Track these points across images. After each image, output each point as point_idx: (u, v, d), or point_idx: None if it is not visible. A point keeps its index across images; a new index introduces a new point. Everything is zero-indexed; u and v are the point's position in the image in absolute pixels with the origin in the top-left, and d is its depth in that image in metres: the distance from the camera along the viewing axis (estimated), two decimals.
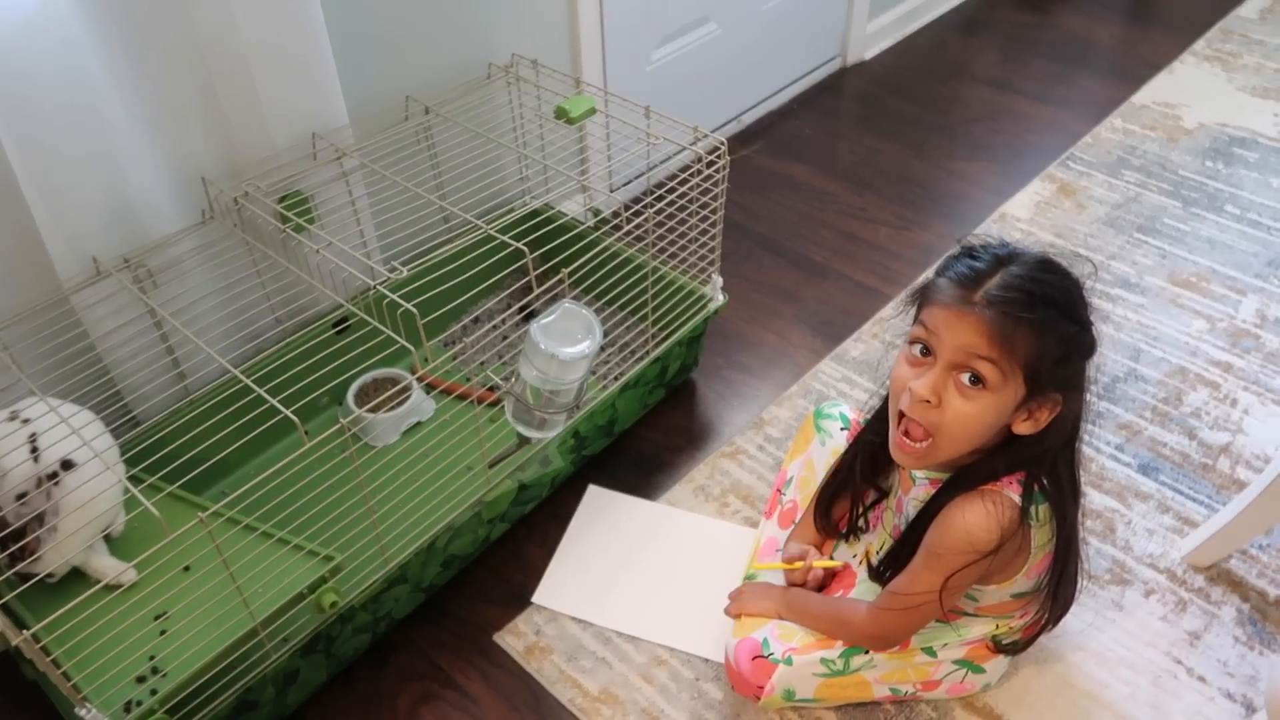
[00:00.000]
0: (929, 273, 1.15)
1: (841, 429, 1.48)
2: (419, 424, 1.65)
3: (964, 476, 1.13)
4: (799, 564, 1.35)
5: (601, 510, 1.59)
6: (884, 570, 1.23)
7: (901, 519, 1.24)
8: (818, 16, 2.58)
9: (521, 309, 1.84)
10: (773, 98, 2.58)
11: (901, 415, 1.11)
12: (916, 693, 1.28)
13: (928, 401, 1.07)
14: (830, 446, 1.47)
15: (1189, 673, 1.34)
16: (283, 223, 1.42)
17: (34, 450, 1.15)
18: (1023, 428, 1.09)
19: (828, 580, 1.36)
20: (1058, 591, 1.18)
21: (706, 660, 1.38)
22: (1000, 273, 1.06)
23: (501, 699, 1.36)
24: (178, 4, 1.32)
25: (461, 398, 1.68)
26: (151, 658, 1.17)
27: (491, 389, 1.68)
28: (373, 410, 1.59)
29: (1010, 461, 1.11)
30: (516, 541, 1.55)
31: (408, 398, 1.63)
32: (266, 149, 1.48)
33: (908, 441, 1.11)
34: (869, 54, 2.81)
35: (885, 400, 1.20)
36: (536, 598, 1.47)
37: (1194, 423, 1.69)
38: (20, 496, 1.13)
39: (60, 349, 1.34)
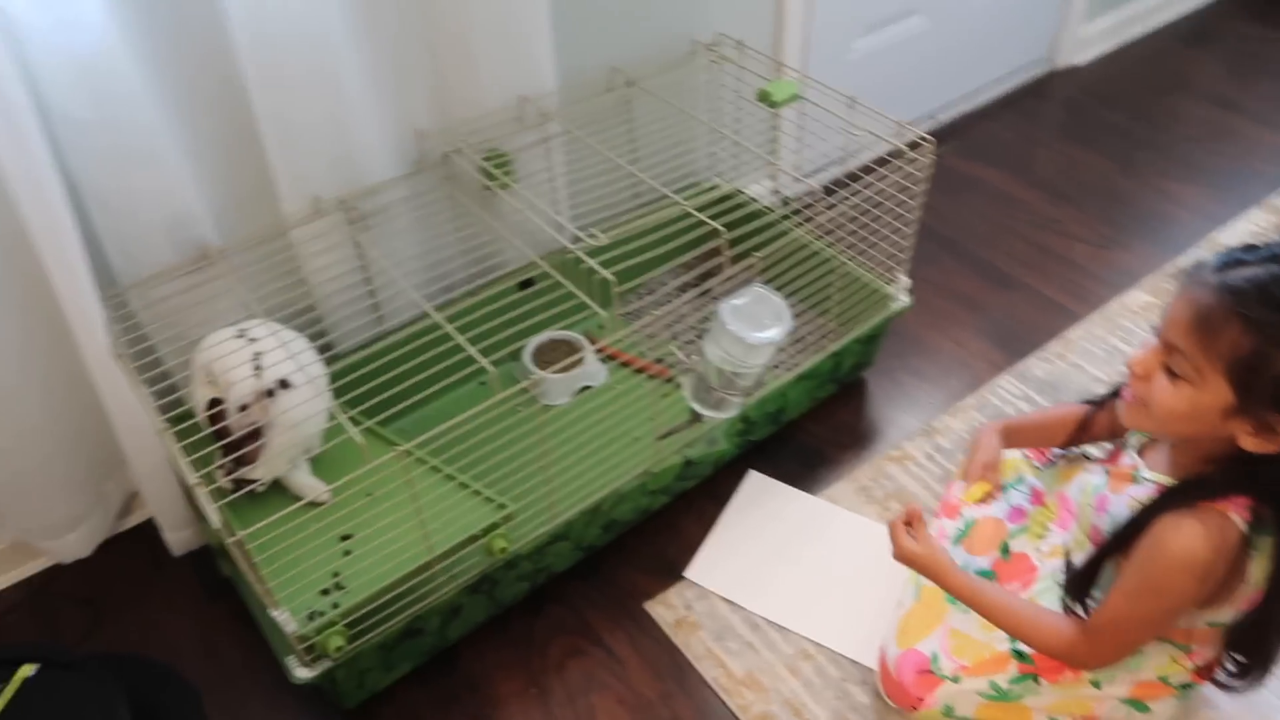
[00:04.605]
0: None
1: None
2: (588, 388, 1.69)
3: (1186, 488, 1.06)
4: (987, 486, 1.34)
5: (761, 496, 1.59)
6: (1083, 582, 1.14)
7: (1104, 519, 1.16)
8: (1030, 16, 2.47)
9: (698, 287, 1.85)
10: (972, 96, 2.49)
11: None
12: None
13: (1136, 375, 1.05)
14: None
15: None
16: (489, 179, 1.48)
17: (257, 368, 1.25)
18: (1250, 444, 1.00)
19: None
20: (1258, 642, 1.10)
21: (855, 662, 1.36)
22: (1253, 266, 0.98)
23: (646, 665, 1.39)
24: None
25: (627, 365, 1.71)
26: (335, 574, 1.26)
27: (659, 362, 1.70)
28: (556, 371, 1.64)
29: (1237, 480, 1.03)
30: (674, 515, 1.57)
31: (582, 361, 1.67)
32: (477, 108, 1.54)
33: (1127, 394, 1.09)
34: (1081, 59, 2.67)
35: None
36: (689, 573, 1.48)
37: None
38: (243, 408, 1.23)
39: (277, 279, 1.44)
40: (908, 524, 1.23)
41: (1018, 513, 1.35)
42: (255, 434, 1.23)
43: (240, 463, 1.24)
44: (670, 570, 1.50)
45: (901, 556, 1.22)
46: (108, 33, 1.14)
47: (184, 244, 1.34)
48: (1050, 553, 1.29)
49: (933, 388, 1.78)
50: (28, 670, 1.23)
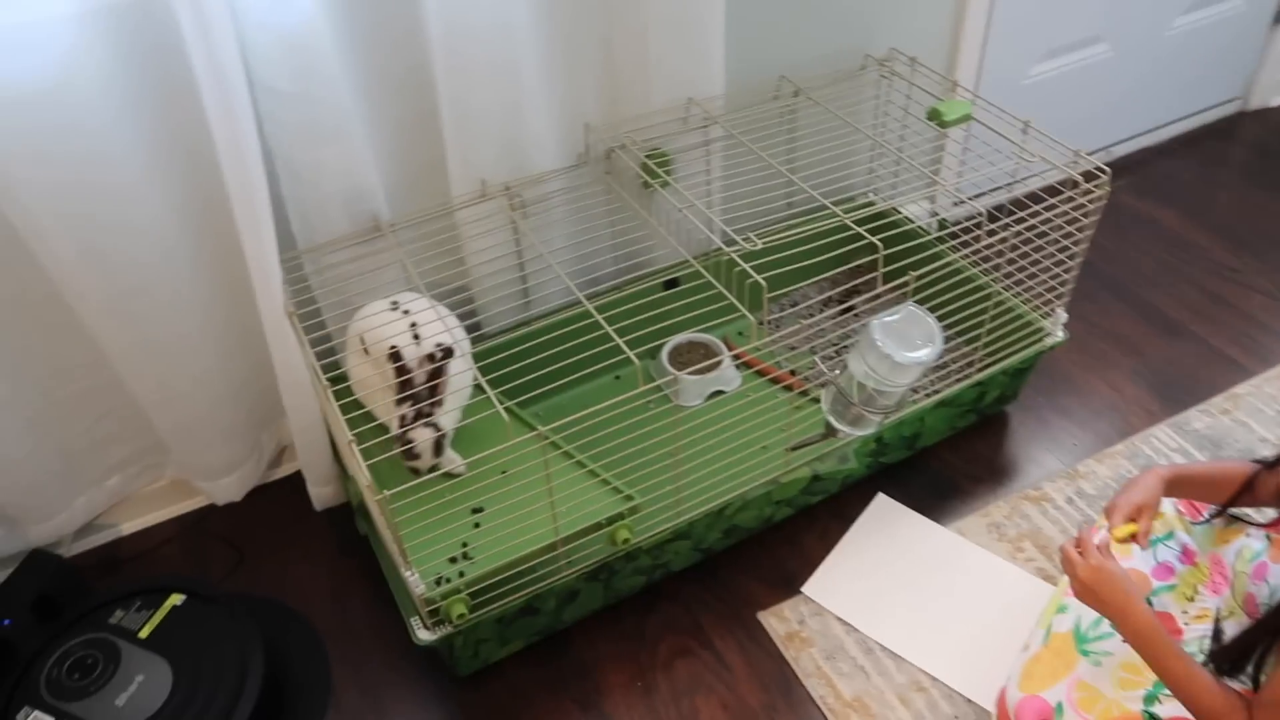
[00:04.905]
0: None
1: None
2: (720, 392, 1.70)
3: None
4: (1134, 527, 1.20)
5: (887, 520, 1.56)
6: (1237, 657, 1.07)
7: (1262, 588, 1.09)
8: (1225, 51, 2.33)
9: (842, 303, 1.83)
10: (1153, 132, 2.37)
11: None
12: None
13: None
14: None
15: None
16: (651, 177, 1.50)
17: (415, 336, 1.30)
18: None
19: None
20: None
21: (970, 701, 1.32)
22: None
23: (754, 675, 1.38)
24: None
25: (761, 374, 1.71)
26: (464, 544, 1.30)
27: (794, 374, 1.69)
28: (693, 372, 1.65)
29: None
30: (796, 529, 1.56)
31: (719, 365, 1.67)
32: (644, 106, 1.56)
33: None
34: (1277, 101, 2.50)
35: None
36: (807, 588, 1.47)
37: None
38: (427, 359, 1.30)
39: (437, 256, 1.50)
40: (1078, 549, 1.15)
41: (1165, 569, 1.28)
42: (437, 384, 1.29)
43: (425, 412, 1.29)
44: (787, 583, 1.48)
45: (1089, 578, 1.12)
46: (316, 14, 1.22)
47: (358, 216, 1.42)
48: (1198, 616, 1.21)
49: (1080, 430, 1.70)
50: (177, 599, 1.32)
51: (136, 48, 1.18)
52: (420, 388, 1.30)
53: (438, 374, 1.30)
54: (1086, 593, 1.13)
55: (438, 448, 1.33)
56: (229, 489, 1.62)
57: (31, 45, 1.10)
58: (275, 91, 1.25)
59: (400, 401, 1.31)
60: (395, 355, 1.30)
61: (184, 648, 1.26)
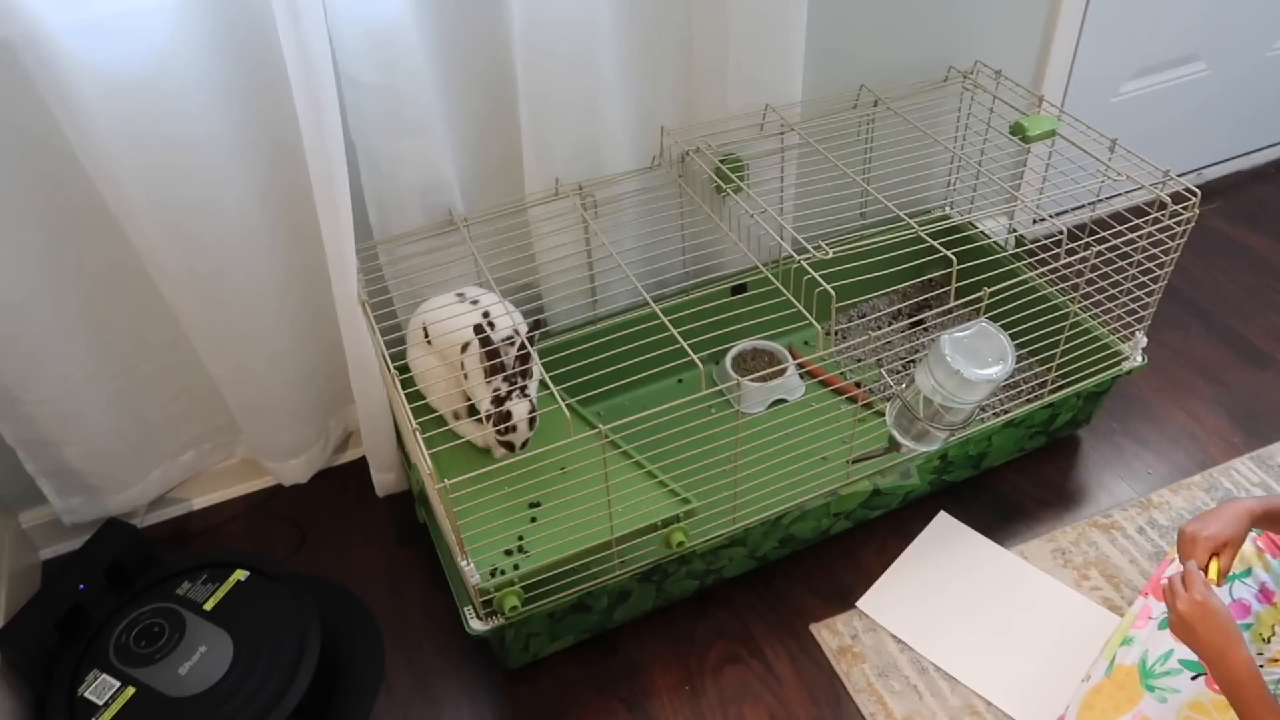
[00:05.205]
0: None
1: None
2: (782, 400, 1.68)
3: None
4: (1216, 562, 1.13)
5: (948, 539, 1.53)
6: None
7: None
8: None
9: (911, 317, 1.80)
10: (1247, 156, 2.29)
11: None
12: None
13: None
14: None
15: None
16: (724, 182, 1.49)
17: (490, 324, 1.32)
18: None
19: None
20: None
21: None
22: None
23: (804, 687, 1.36)
24: None
25: (825, 384, 1.69)
26: (520, 538, 1.31)
27: (859, 386, 1.67)
28: (756, 379, 1.64)
29: None
30: (853, 543, 1.53)
31: (783, 373, 1.66)
32: (720, 111, 1.56)
33: None
34: None
35: None
36: (862, 603, 1.45)
37: None
38: (509, 340, 1.31)
39: (508, 252, 1.51)
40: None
41: (1241, 607, 1.23)
42: (527, 353, 1.30)
43: (514, 384, 1.31)
44: (842, 596, 1.46)
45: (1190, 612, 1.05)
46: (404, 9, 1.25)
47: (433, 209, 1.44)
48: (1274, 659, 1.16)
49: (1155, 458, 1.65)
50: (241, 574, 1.36)
51: (231, 37, 1.22)
52: (510, 362, 1.31)
53: (526, 345, 1.31)
54: (1184, 628, 1.06)
55: (531, 422, 1.34)
56: (296, 470, 1.66)
57: (135, 33, 1.15)
58: (360, 84, 1.28)
59: (491, 376, 1.31)
60: (480, 330, 1.31)
61: (245, 622, 1.29)
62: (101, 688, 1.23)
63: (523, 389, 1.31)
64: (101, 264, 1.35)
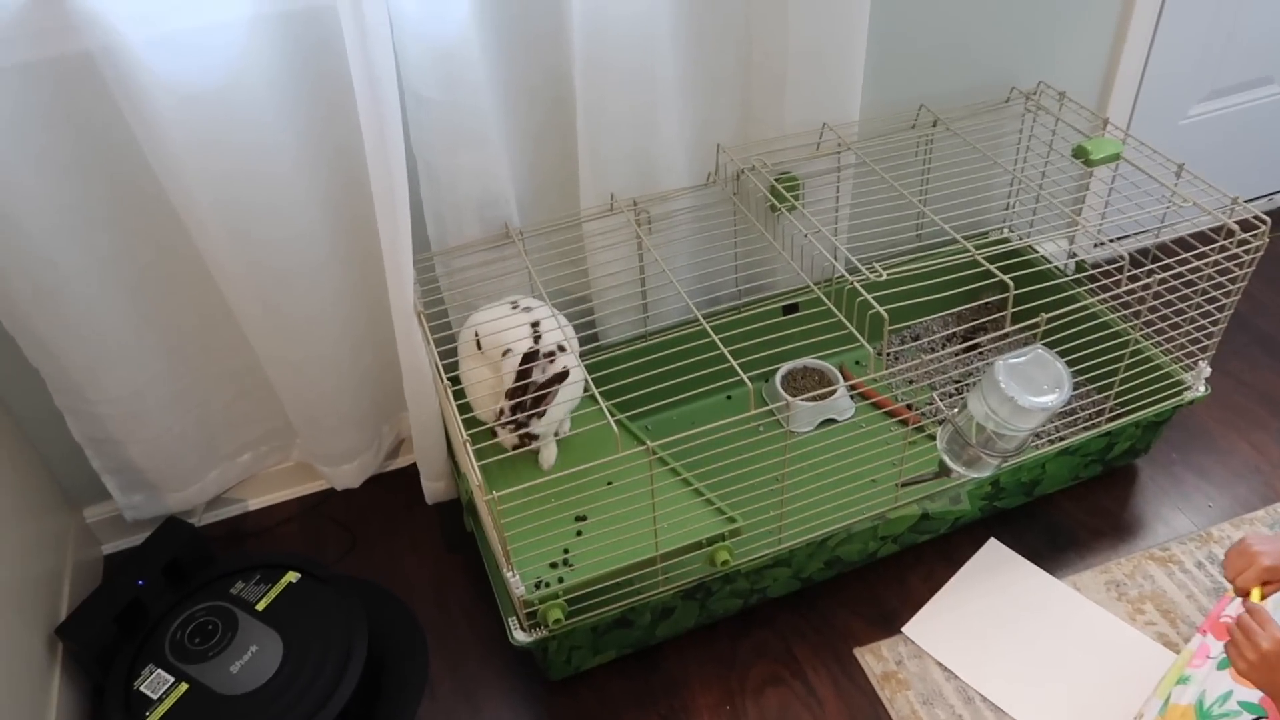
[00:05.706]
0: None
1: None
2: (832, 420, 1.67)
3: None
4: (1259, 590, 1.12)
5: (998, 567, 1.50)
6: None
7: None
8: None
9: (966, 340, 1.78)
10: None
11: None
12: None
13: None
14: None
15: None
16: (779, 201, 1.49)
17: (537, 336, 1.33)
18: None
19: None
20: None
21: None
22: None
23: (845, 710, 1.35)
24: None
25: (876, 406, 1.68)
26: (565, 550, 1.32)
27: (910, 409, 1.65)
28: (807, 399, 1.63)
29: None
30: (900, 567, 1.52)
31: (833, 393, 1.65)
32: (776, 129, 1.56)
33: None
34: None
35: None
36: (908, 629, 1.43)
37: None
38: (549, 355, 1.33)
39: (562, 266, 1.53)
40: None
41: None
42: (553, 381, 1.31)
43: (532, 408, 1.32)
44: (887, 621, 1.45)
45: (1276, 653, 1.03)
46: (467, 25, 1.27)
47: (489, 221, 1.46)
48: None
49: (1216, 491, 1.60)
50: (292, 576, 1.39)
51: (300, 52, 1.26)
52: (537, 383, 1.32)
53: (552, 383, 1.32)
54: (1266, 669, 1.04)
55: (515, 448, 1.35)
56: (348, 475, 1.69)
57: (209, 48, 1.18)
58: (423, 99, 1.31)
59: (511, 393, 1.34)
60: (528, 347, 1.33)
61: (295, 623, 1.32)
62: (156, 682, 1.27)
63: (529, 418, 1.32)
64: (168, 268, 1.39)
